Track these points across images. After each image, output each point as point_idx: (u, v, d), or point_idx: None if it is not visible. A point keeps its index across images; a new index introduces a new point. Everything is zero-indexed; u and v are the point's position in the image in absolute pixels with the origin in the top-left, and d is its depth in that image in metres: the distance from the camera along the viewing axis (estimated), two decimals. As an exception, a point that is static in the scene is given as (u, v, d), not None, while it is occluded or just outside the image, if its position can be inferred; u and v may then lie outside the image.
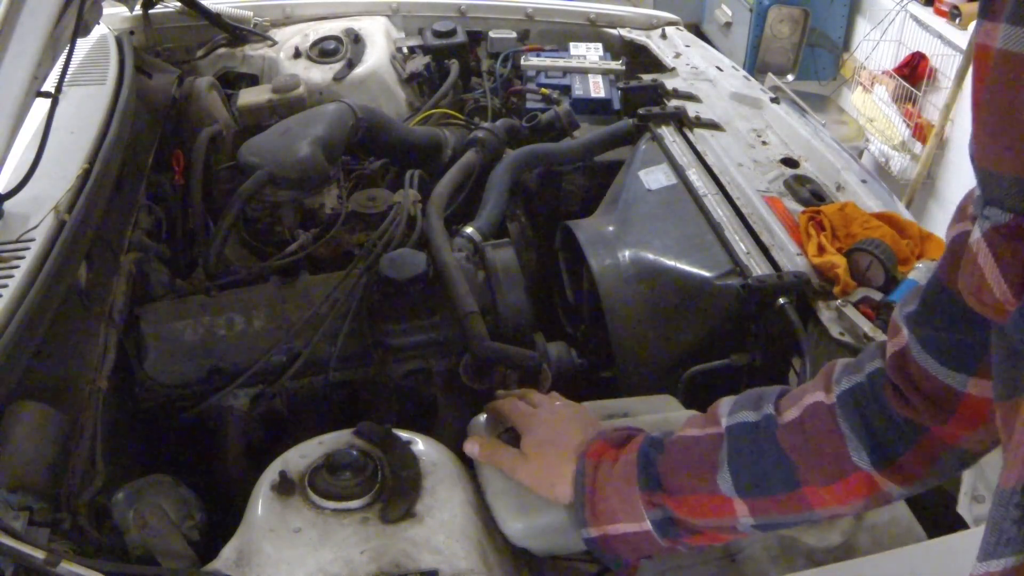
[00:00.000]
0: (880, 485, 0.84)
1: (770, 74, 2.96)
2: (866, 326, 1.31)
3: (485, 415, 1.16)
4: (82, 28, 1.42)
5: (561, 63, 2.21)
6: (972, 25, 3.57)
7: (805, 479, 0.86)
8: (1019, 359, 0.54)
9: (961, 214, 0.70)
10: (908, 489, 0.86)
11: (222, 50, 2.26)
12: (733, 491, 0.88)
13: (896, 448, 0.82)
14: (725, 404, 0.94)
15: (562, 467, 1.00)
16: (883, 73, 4.18)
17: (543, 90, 2.11)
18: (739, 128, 1.88)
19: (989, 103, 0.55)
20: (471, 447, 1.07)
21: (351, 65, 2.16)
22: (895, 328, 0.80)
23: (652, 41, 2.36)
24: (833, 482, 0.85)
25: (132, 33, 2.17)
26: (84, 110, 1.56)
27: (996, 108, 0.54)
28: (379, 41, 2.25)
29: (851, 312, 1.34)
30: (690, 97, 1.99)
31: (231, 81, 2.20)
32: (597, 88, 2.14)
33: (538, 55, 2.26)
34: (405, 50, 2.33)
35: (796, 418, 0.87)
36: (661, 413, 1.16)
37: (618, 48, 2.41)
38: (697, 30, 5.17)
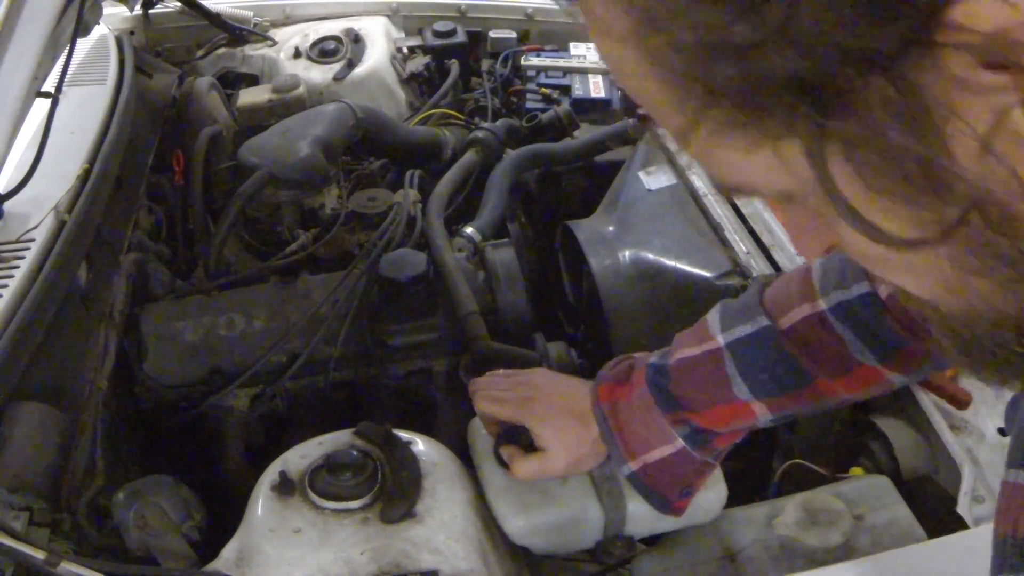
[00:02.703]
0: (884, 375, 0.91)
1: (770, 74, 2.95)
2: (866, 326, 1.31)
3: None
4: (82, 28, 1.42)
5: (561, 63, 2.21)
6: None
7: (816, 374, 0.92)
8: None
9: None
10: (909, 377, 0.93)
11: (222, 50, 2.26)
12: (751, 396, 0.94)
13: (895, 346, 0.89)
14: (713, 321, 0.98)
15: (586, 432, 1.01)
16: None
17: (543, 90, 2.10)
18: (739, 128, 1.88)
19: None
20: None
21: (351, 65, 2.16)
22: None
23: (652, 41, 2.36)
24: (842, 376, 0.92)
25: (132, 33, 2.17)
26: (84, 110, 1.56)
27: None
28: (379, 41, 2.25)
29: (851, 312, 1.33)
30: (690, 97, 1.98)
31: (231, 81, 2.20)
32: (597, 88, 2.14)
33: (538, 55, 2.26)
34: (405, 50, 2.32)
35: (792, 326, 0.92)
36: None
37: (618, 48, 2.40)
38: (697, 30, 5.17)
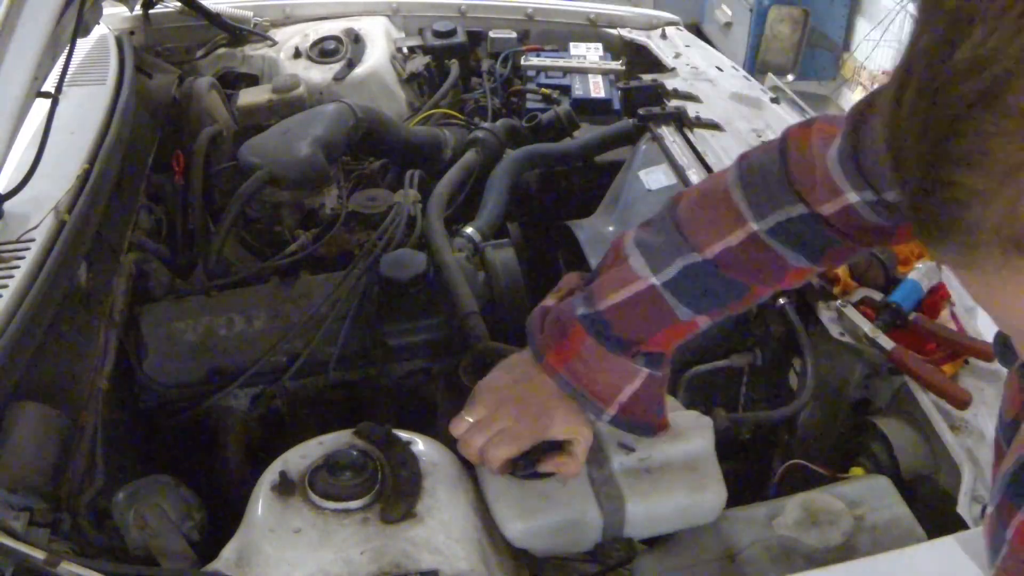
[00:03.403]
0: (814, 270, 1.01)
1: (770, 74, 2.95)
2: (866, 326, 1.31)
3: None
4: (82, 28, 1.42)
5: (561, 63, 2.21)
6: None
7: (752, 285, 1.00)
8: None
9: None
10: (835, 265, 1.05)
11: (222, 50, 2.26)
12: (692, 315, 1.00)
13: (827, 248, 0.96)
14: (638, 265, 0.99)
15: (555, 402, 1.02)
16: (883, 73, 4.19)
17: (543, 90, 2.10)
18: (739, 128, 1.88)
19: None
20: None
21: (351, 65, 2.16)
22: (833, 190, 0.91)
23: (652, 41, 2.36)
24: (777, 281, 1.01)
25: (132, 33, 2.17)
26: (84, 110, 1.56)
27: None
28: (379, 41, 2.25)
29: (851, 312, 1.34)
30: (690, 97, 1.99)
31: (231, 81, 2.20)
32: (597, 88, 2.14)
33: (538, 55, 2.26)
34: (405, 50, 2.33)
35: (723, 252, 0.96)
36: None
37: (618, 48, 2.41)
38: (697, 30, 5.16)
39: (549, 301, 1.07)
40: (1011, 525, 0.64)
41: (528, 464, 1.03)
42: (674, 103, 1.95)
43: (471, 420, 1.03)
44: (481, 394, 1.05)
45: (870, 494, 1.13)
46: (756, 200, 0.96)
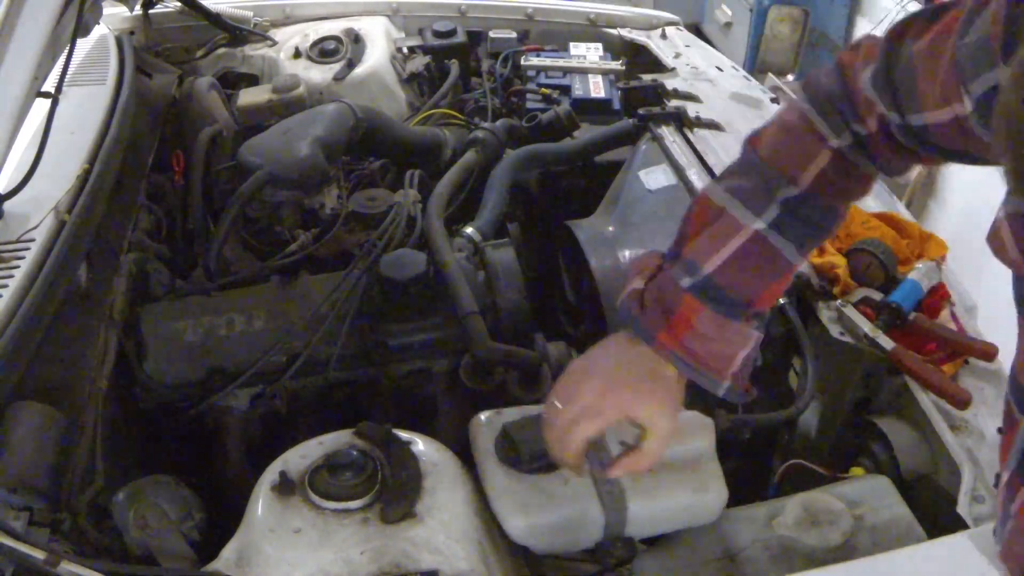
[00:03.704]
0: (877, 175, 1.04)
1: (770, 74, 2.95)
2: (866, 326, 1.31)
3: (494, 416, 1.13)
4: (82, 28, 1.42)
5: (561, 63, 2.21)
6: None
7: (840, 205, 1.01)
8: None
9: None
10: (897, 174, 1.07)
11: (222, 50, 2.26)
12: (798, 257, 0.99)
13: (886, 163, 1.01)
14: (738, 212, 0.98)
15: (666, 381, 0.99)
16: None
17: (543, 90, 2.10)
18: (739, 128, 1.88)
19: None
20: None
21: (351, 65, 2.16)
22: (871, 107, 0.94)
23: (652, 41, 2.36)
24: (859, 194, 1.03)
25: (132, 33, 2.17)
26: (84, 110, 1.56)
27: None
28: (379, 41, 2.25)
29: (851, 312, 1.34)
30: (690, 97, 1.99)
31: (231, 81, 2.20)
32: (597, 88, 2.14)
33: (538, 55, 2.26)
34: (405, 50, 2.33)
35: (818, 175, 0.97)
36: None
37: (618, 48, 2.41)
38: (697, 30, 5.16)
39: (637, 283, 1.02)
40: (1017, 499, 0.63)
41: (599, 464, 1.00)
42: (674, 103, 1.95)
43: (558, 405, 0.99)
44: (567, 374, 1.02)
45: (870, 494, 1.14)
46: (832, 121, 0.97)
